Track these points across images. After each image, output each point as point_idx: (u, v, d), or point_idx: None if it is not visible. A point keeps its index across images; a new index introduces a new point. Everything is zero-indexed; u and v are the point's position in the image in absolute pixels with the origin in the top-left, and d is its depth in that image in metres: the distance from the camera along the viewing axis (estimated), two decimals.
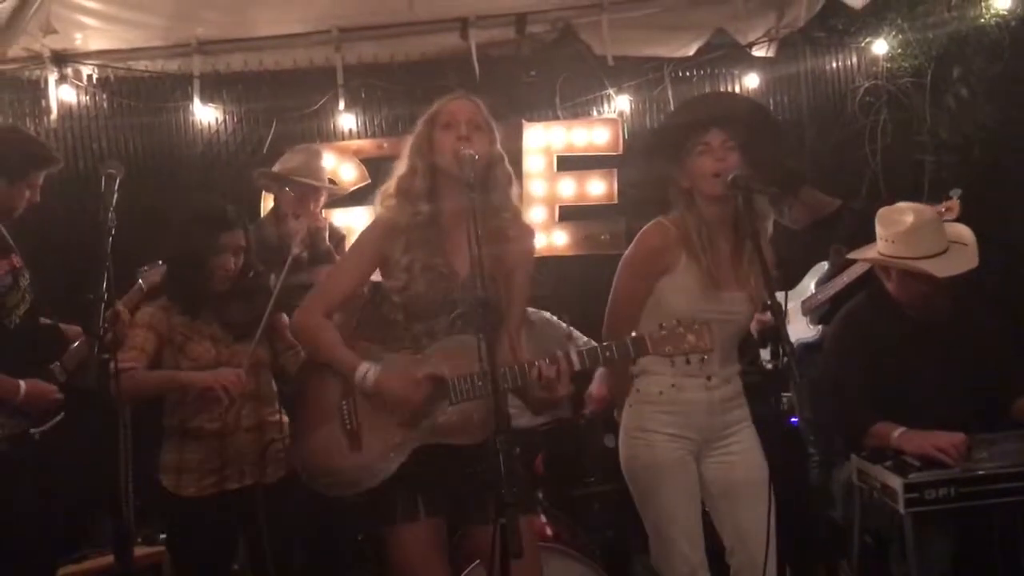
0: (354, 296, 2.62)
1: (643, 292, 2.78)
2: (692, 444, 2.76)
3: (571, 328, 4.10)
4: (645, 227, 2.84)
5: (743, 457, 2.76)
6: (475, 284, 2.25)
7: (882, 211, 3.23)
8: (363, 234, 2.65)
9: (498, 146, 2.57)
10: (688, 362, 2.40)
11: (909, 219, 3.13)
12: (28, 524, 3.08)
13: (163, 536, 3.88)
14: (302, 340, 2.69)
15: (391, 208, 2.55)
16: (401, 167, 2.58)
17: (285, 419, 3.10)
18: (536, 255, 3.07)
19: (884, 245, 3.18)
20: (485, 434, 2.32)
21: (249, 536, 3.04)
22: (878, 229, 3.20)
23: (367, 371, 2.43)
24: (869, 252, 3.28)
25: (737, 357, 2.87)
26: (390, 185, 2.58)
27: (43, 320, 3.33)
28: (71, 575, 3.64)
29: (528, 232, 2.67)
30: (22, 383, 3.07)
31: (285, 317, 3.13)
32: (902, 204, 3.25)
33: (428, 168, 2.51)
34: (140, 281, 3.61)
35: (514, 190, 2.61)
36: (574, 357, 2.36)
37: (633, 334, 2.41)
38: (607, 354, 2.40)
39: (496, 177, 2.54)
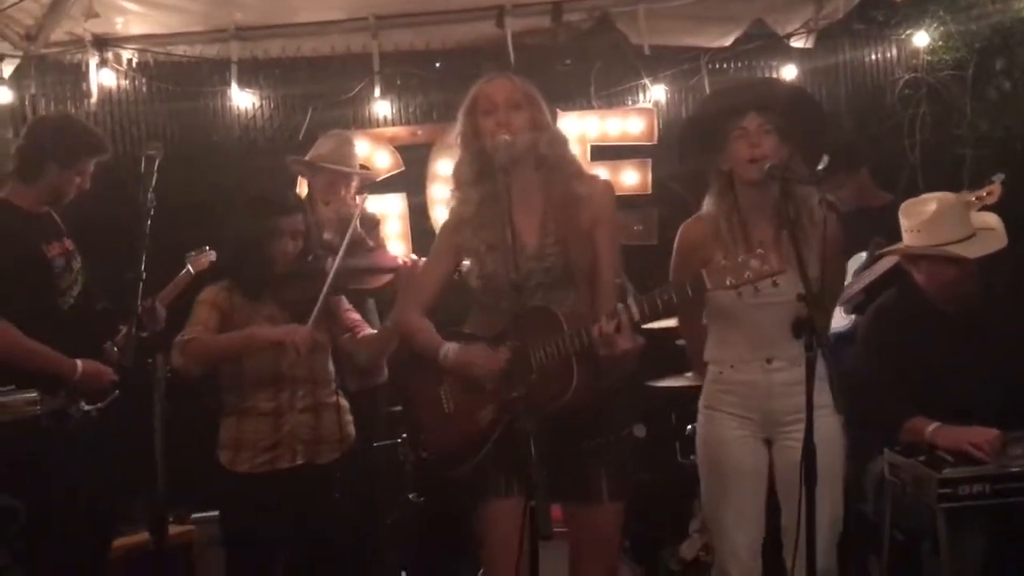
0: (444, 289, 2.71)
1: None
2: (755, 426, 2.74)
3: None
4: (684, 223, 2.86)
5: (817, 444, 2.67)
6: (545, 255, 2.34)
7: (905, 203, 3.21)
8: (439, 231, 2.78)
9: (545, 118, 2.57)
10: (757, 290, 2.30)
11: (932, 207, 3.11)
12: (78, 499, 3.16)
13: (195, 516, 3.97)
14: (405, 338, 2.78)
15: (457, 200, 2.65)
16: (453, 157, 2.67)
17: (343, 402, 3.16)
18: None
19: (910, 236, 3.16)
20: (567, 391, 2.36)
21: (295, 515, 3.08)
22: (903, 221, 3.18)
23: (447, 350, 2.52)
24: (898, 247, 3.25)
25: None
26: (437, 166, 2.64)
27: (101, 304, 3.40)
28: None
29: (600, 187, 2.64)
30: (79, 363, 3.15)
31: (344, 300, 3.19)
32: (925, 195, 3.23)
33: (477, 155, 2.55)
34: (188, 266, 3.68)
35: (572, 154, 2.64)
36: (633, 307, 2.32)
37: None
38: (665, 298, 2.33)
39: (544, 152, 2.54)
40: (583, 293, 2.55)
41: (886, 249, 3.41)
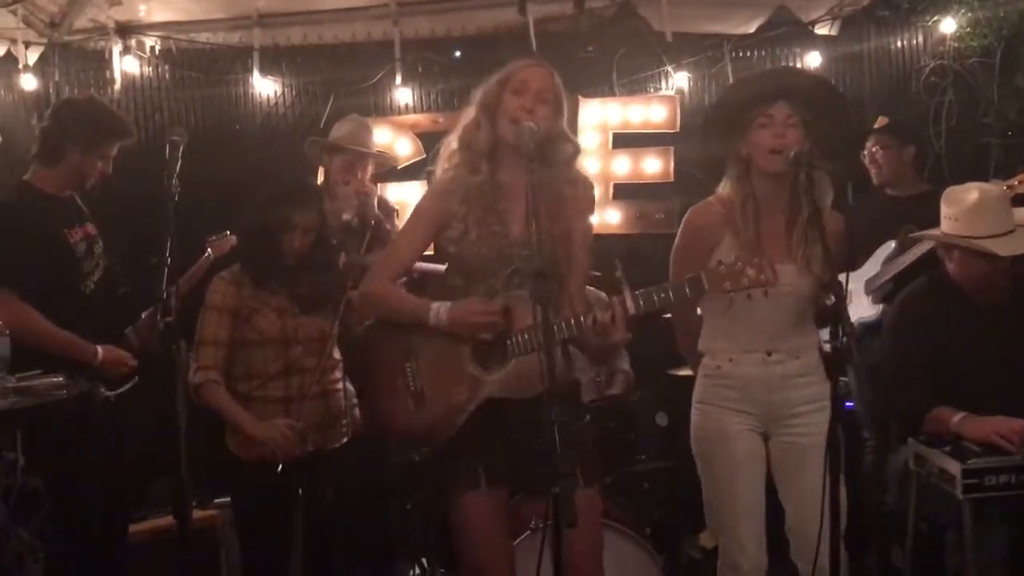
0: (417, 260, 2.67)
1: (693, 269, 2.75)
2: (754, 419, 2.74)
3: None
4: (692, 207, 2.86)
5: (812, 438, 2.66)
6: (529, 242, 2.28)
7: (949, 190, 3.17)
8: (423, 197, 2.73)
9: (563, 122, 2.55)
10: (750, 297, 2.35)
11: (973, 197, 3.06)
12: (100, 481, 3.18)
13: (217, 500, 3.99)
14: (372, 306, 2.71)
15: (454, 165, 2.58)
16: (466, 118, 2.59)
17: (349, 387, 3.18)
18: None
19: (947, 224, 3.12)
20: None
21: (308, 501, 3.10)
22: (943, 208, 3.14)
23: (438, 308, 2.47)
24: (935, 232, 3.22)
25: (813, 330, 2.80)
26: (452, 139, 2.60)
27: (123, 289, 3.42)
28: (130, 534, 3.72)
29: (587, 187, 2.63)
30: (99, 348, 3.17)
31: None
32: (971, 183, 3.18)
33: (491, 130, 2.52)
34: (208, 250, 3.69)
35: (580, 161, 2.61)
36: (629, 301, 2.33)
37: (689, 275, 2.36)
38: (662, 295, 2.35)
39: (556, 152, 2.53)
40: (556, 288, 2.51)
41: (921, 233, 3.38)
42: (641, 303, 2.34)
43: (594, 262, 2.70)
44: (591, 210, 2.64)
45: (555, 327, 2.33)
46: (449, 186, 2.57)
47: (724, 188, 2.80)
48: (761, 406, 2.74)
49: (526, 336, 2.39)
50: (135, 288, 3.42)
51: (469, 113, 2.59)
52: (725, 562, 2.78)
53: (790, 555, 2.75)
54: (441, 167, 2.63)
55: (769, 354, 2.72)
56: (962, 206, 3.07)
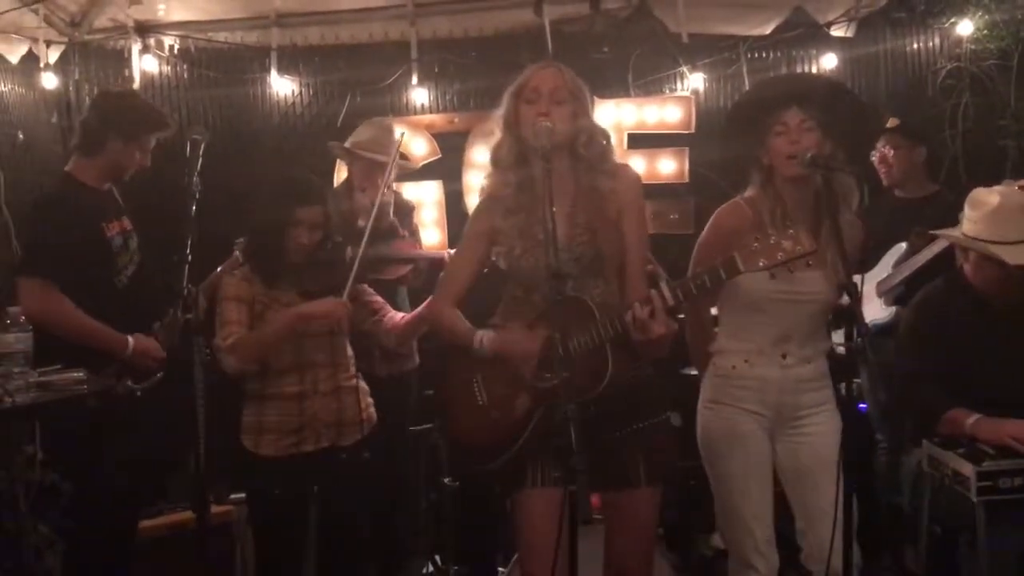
0: (477, 275, 2.72)
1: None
2: (764, 420, 2.75)
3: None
4: (721, 207, 2.84)
5: (818, 439, 2.71)
6: (574, 245, 2.34)
7: (976, 191, 3.17)
8: (471, 216, 2.77)
9: (586, 116, 2.56)
10: (791, 271, 2.31)
11: (994, 202, 3.06)
12: (116, 478, 3.21)
13: (233, 496, 4.02)
14: (435, 329, 2.82)
15: (491, 181, 2.64)
16: (494, 137, 2.65)
17: (363, 384, 3.21)
18: None
19: (967, 225, 3.12)
20: (600, 381, 2.38)
21: (322, 497, 3.12)
22: (966, 209, 3.14)
23: (482, 337, 2.54)
24: (954, 231, 3.22)
25: (825, 338, 2.82)
26: (475, 151, 2.65)
27: (157, 282, 3.45)
28: (147, 528, 3.75)
29: (628, 177, 2.64)
30: (130, 339, 3.20)
31: (366, 287, 3.22)
32: (998, 187, 3.18)
33: (515, 141, 2.56)
34: (236, 252, 3.72)
35: (610, 149, 2.62)
36: (667, 292, 2.33)
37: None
38: (699, 282, 2.33)
39: (585, 140, 2.54)
40: (612, 283, 2.57)
41: (939, 232, 3.38)
42: (679, 292, 2.34)
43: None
44: (638, 199, 2.63)
45: (601, 325, 2.37)
46: (488, 203, 2.64)
47: (751, 193, 2.81)
48: (773, 408, 2.75)
49: (574, 341, 2.39)
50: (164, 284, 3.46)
51: (496, 133, 2.64)
52: (739, 563, 2.79)
53: (801, 559, 2.76)
54: (480, 187, 2.71)
55: (784, 357, 2.73)
56: (983, 209, 3.07)
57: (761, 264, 2.26)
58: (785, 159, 2.66)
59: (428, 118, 5.15)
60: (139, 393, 3.26)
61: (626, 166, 2.75)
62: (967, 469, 2.82)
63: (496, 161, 2.63)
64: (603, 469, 2.46)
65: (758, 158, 2.74)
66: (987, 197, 3.09)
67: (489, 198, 2.65)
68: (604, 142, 2.60)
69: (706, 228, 2.85)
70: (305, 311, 3.00)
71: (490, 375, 2.57)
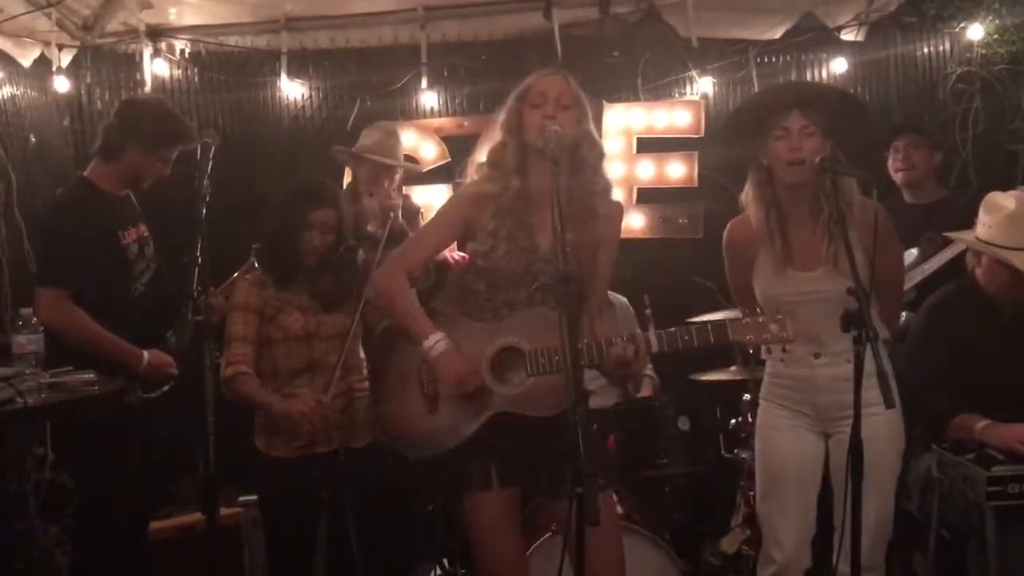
0: (434, 258, 2.75)
1: (743, 283, 2.86)
2: (808, 420, 2.79)
3: (649, 312, 4.10)
4: (728, 225, 2.91)
5: (868, 441, 2.60)
6: (556, 258, 2.27)
7: (989, 195, 3.16)
8: (449, 200, 2.76)
9: (589, 125, 2.58)
10: (769, 351, 2.43)
11: (1009, 207, 3.06)
12: (124, 481, 3.22)
13: (241, 498, 4.03)
14: (381, 299, 2.75)
15: (483, 177, 2.61)
16: (492, 139, 2.63)
17: None
18: None
19: (981, 229, 3.13)
20: (560, 407, 2.31)
21: (332, 498, 3.14)
22: (980, 213, 3.15)
23: (436, 343, 2.50)
24: (967, 235, 3.22)
25: None
26: (480, 154, 2.64)
27: (172, 289, 3.46)
28: (155, 530, 3.77)
29: (616, 211, 2.68)
30: (145, 353, 3.21)
31: None
32: (1014, 191, 3.18)
33: (518, 144, 2.55)
34: (253, 258, 3.74)
35: (605, 168, 2.64)
36: (653, 339, 2.39)
37: (716, 318, 2.44)
38: (685, 338, 2.40)
39: (584, 155, 2.56)
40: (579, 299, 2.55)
41: (951, 234, 3.38)
42: (665, 343, 2.40)
43: (619, 267, 2.72)
44: (617, 233, 2.67)
45: (580, 351, 2.33)
46: (478, 196, 2.60)
47: (746, 196, 2.81)
48: (812, 407, 2.78)
49: (545, 357, 2.41)
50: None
51: (495, 135, 2.62)
52: (763, 553, 2.86)
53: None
54: (470, 178, 2.68)
55: (816, 356, 2.74)
56: (997, 214, 3.07)
57: (748, 339, 2.39)
58: (785, 164, 2.66)
59: (437, 122, 5.17)
60: (140, 399, 3.26)
61: (616, 200, 2.75)
62: (977, 474, 2.82)
63: (496, 163, 2.60)
64: (552, 480, 2.50)
65: (757, 159, 2.75)
66: (1003, 202, 3.09)
67: (478, 193, 2.61)
68: (597, 154, 2.61)
69: (724, 254, 2.92)
70: (280, 409, 3.00)
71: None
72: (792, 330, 2.38)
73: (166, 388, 3.32)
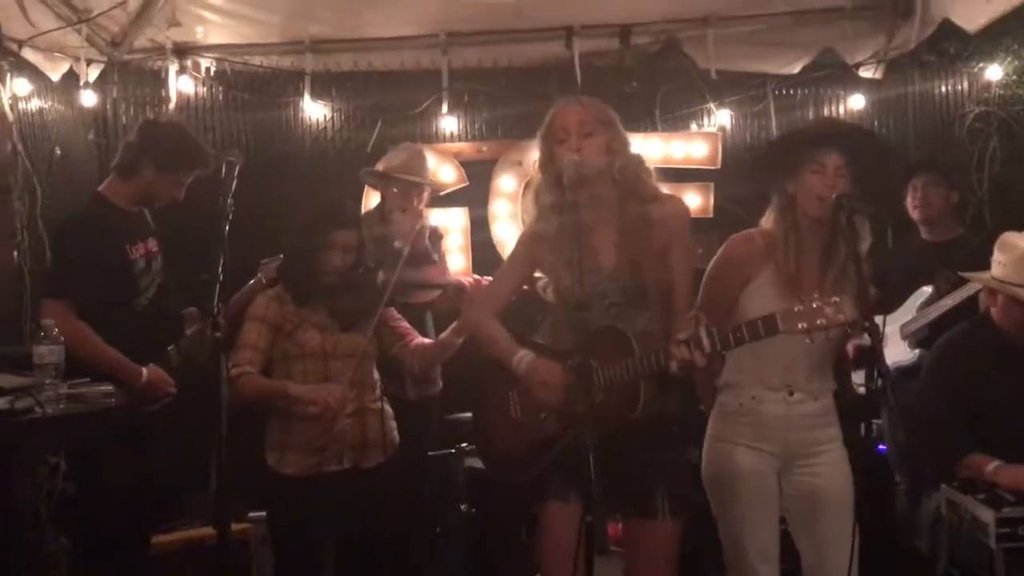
0: (515, 296, 2.81)
1: (724, 301, 2.76)
2: (772, 458, 2.73)
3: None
4: (732, 238, 2.85)
5: (827, 478, 2.68)
6: (620, 275, 2.42)
7: (1006, 234, 3.18)
8: (517, 242, 2.86)
9: (619, 141, 2.60)
10: (828, 338, 2.38)
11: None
12: (128, 493, 3.22)
13: (251, 514, 4.04)
14: (468, 329, 2.94)
15: (534, 219, 2.73)
16: (535, 181, 2.75)
17: (387, 408, 3.25)
18: None
19: (997, 268, 3.14)
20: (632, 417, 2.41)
21: (341, 518, 3.13)
22: (996, 253, 3.16)
23: (522, 356, 2.58)
24: (983, 275, 3.23)
25: (831, 375, 2.82)
26: (529, 199, 2.75)
27: (172, 305, 3.50)
28: (162, 544, 3.78)
29: (673, 211, 2.66)
30: (144, 370, 3.22)
31: (393, 311, 3.28)
32: None
33: (555, 180, 2.60)
34: (260, 274, 3.77)
35: (649, 176, 2.66)
36: (705, 339, 2.35)
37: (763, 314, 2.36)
38: (738, 335, 2.37)
39: (620, 171, 2.57)
40: (655, 314, 2.59)
41: (969, 275, 3.38)
42: (717, 341, 2.36)
43: None
44: (684, 232, 2.66)
45: (639, 361, 2.40)
46: (534, 236, 2.72)
47: (767, 221, 2.82)
48: (779, 444, 2.71)
49: (610, 371, 2.44)
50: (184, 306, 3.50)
51: (536, 177, 2.73)
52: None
53: None
54: (525, 213, 2.82)
55: (791, 393, 2.71)
56: (1012, 253, 3.08)
57: (801, 326, 2.28)
58: (815, 198, 2.66)
59: (456, 146, 5.22)
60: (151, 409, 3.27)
61: (674, 197, 2.78)
62: (987, 515, 2.81)
63: (538, 203, 2.70)
64: (627, 495, 2.52)
65: (784, 186, 2.74)
66: (1018, 241, 3.11)
67: (532, 233, 2.73)
68: (640, 169, 2.64)
69: (715, 260, 2.84)
70: (297, 394, 3.02)
71: (525, 391, 2.62)
72: (850, 311, 2.26)
73: (162, 403, 3.31)
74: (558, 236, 2.60)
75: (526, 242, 2.77)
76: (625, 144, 2.63)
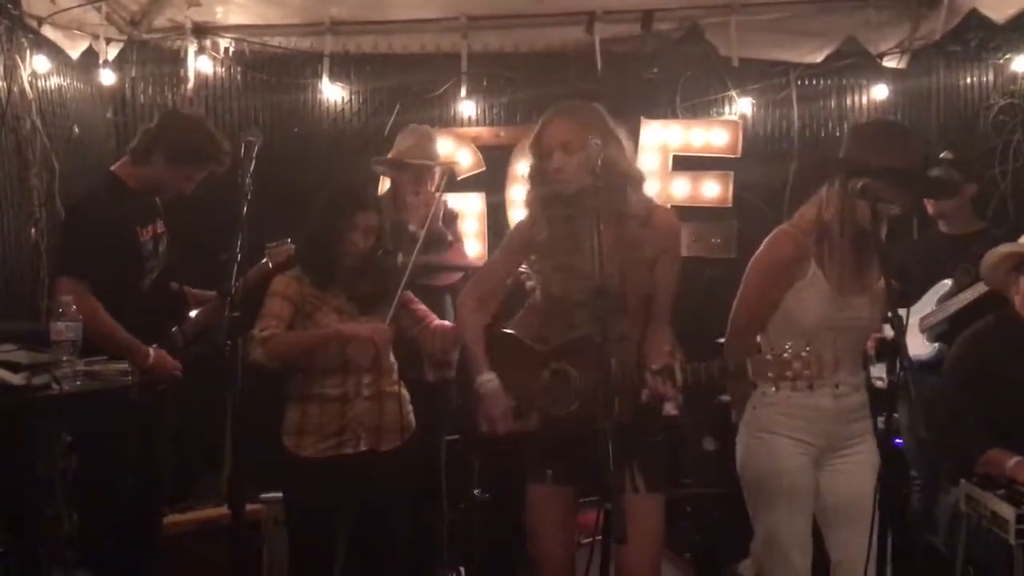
0: (504, 285, 2.88)
1: (770, 301, 2.74)
2: (814, 450, 2.71)
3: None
4: (774, 235, 2.77)
5: (860, 469, 2.67)
6: (611, 280, 2.40)
7: None
8: (512, 231, 2.91)
9: (609, 152, 2.51)
10: (794, 389, 2.40)
11: None
12: (133, 471, 3.25)
13: (263, 496, 4.05)
14: (456, 321, 2.97)
15: (529, 220, 2.77)
16: (525, 190, 2.80)
17: (404, 392, 3.25)
18: None
19: None
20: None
21: (357, 501, 3.15)
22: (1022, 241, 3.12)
23: (486, 381, 2.68)
24: (1015, 246, 3.21)
25: (863, 365, 2.80)
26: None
27: (172, 285, 3.50)
28: (175, 524, 3.79)
29: (667, 223, 2.68)
30: (151, 351, 3.23)
31: (410, 294, 3.26)
32: None
33: (543, 195, 2.68)
34: (266, 258, 3.76)
35: (639, 188, 2.67)
36: (678, 374, 2.43)
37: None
38: (710, 372, 2.44)
39: (606, 186, 2.48)
40: (634, 319, 2.64)
41: (999, 248, 3.33)
42: (689, 376, 2.44)
43: None
44: (675, 247, 2.71)
45: (616, 378, 2.38)
46: (529, 233, 2.75)
47: (809, 213, 2.74)
48: (822, 436, 2.70)
49: (587, 383, 2.47)
50: (190, 282, 3.50)
51: (526, 185, 2.78)
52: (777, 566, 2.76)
53: None
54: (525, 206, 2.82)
55: (837, 386, 2.69)
56: None
57: (769, 375, 2.37)
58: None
59: (475, 130, 5.19)
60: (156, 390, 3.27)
61: (665, 210, 2.80)
62: (1006, 511, 2.79)
63: (529, 212, 2.78)
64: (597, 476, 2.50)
65: (853, 182, 2.57)
66: None
67: (528, 235, 2.77)
68: (627, 185, 2.62)
69: (759, 259, 2.77)
70: (347, 331, 3.06)
71: (509, 380, 2.69)
72: (817, 368, 2.35)
73: (165, 385, 3.32)
74: (546, 242, 2.67)
75: (524, 230, 2.79)
76: (615, 157, 2.56)
